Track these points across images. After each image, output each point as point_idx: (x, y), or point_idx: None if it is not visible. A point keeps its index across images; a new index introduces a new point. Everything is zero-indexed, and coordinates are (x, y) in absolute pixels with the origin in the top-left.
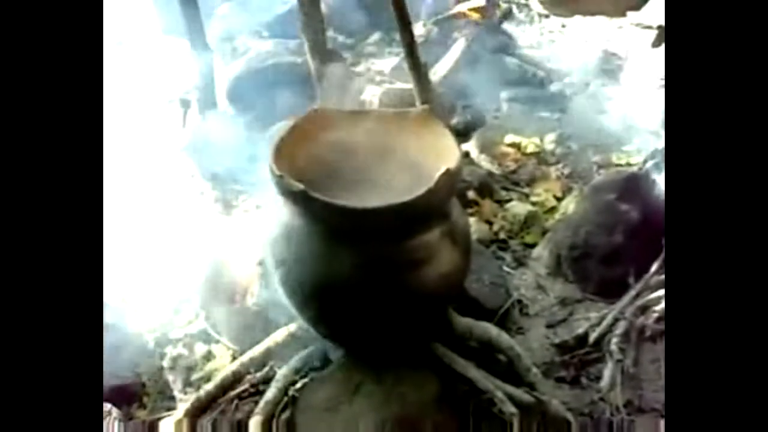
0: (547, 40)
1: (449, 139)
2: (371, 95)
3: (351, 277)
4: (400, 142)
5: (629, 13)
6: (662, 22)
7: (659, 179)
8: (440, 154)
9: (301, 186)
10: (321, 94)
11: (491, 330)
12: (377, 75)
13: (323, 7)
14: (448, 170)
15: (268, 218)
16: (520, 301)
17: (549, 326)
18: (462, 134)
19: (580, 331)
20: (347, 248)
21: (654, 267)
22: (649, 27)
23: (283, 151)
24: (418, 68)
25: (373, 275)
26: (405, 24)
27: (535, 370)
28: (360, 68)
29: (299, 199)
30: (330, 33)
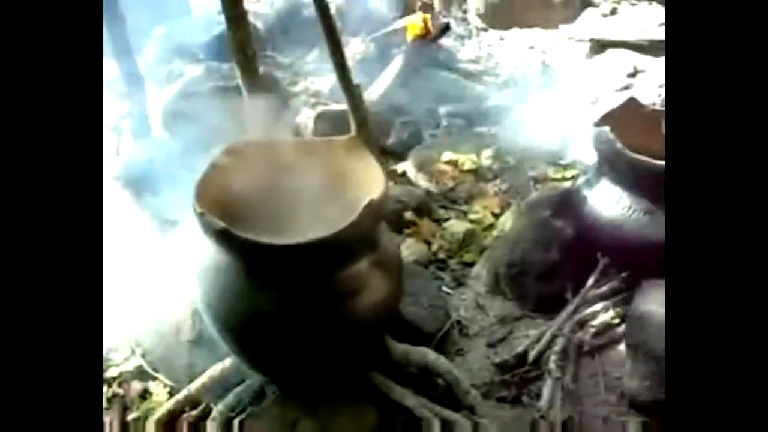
0: (486, 54)
1: (375, 168)
2: (306, 117)
3: (277, 313)
4: (327, 172)
5: (561, 27)
6: (595, 35)
7: (590, 195)
8: (366, 183)
9: (221, 224)
10: (253, 119)
11: (429, 355)
12: (312, 97)
13: (260, 26)
14: (371, 201)
15: (194, 254)
16: (459, 322)
17: (489, 346)
18: (399, 153)
19: (520, 349)
20: (272, 285)
21: (590, 282)
22: (582, 40)
23: (206, 187)
24: (350, 89)
25: (301, 310)
26: (335, 45)
27: (474, 392)
28: (299, 87)
29: (221, 236)
30: (268, 52)
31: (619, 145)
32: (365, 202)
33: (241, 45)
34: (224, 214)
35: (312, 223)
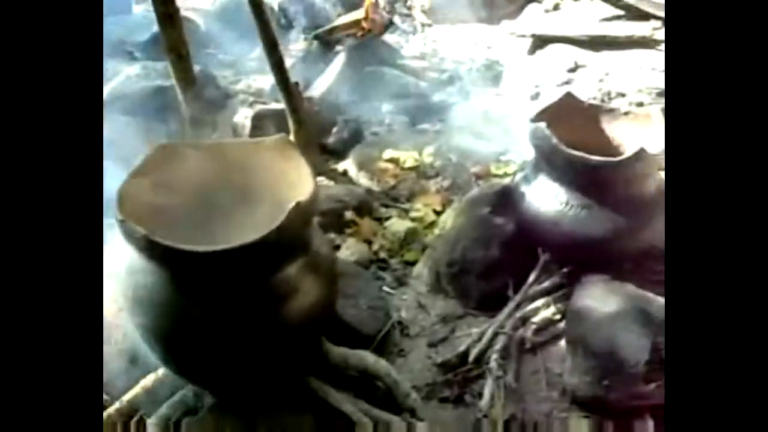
0: (431, 50)
1: (304, 169)
2: (243, 117)
3: (205, 322)
4: (257, 174)
5: (504, 22)
6: (536, 31)
7: (528, 191)
8: (295, 185)
9: (142, 231)
10: (189, 119)
11: (367, 358)
12: (254, 95)
13: (202, 23)
14: (298, 204)
15: (121, 262)
16: (400, 323)
17: (431, 345)
18: (340, 152)
19: (462, 348)
20: (199, 292)
21: (531, 278)
22: (523, 35)
23: (130, 192)
24: (288, 88)
25: (231, 317)
26: (271, 44)
27: (414, 395)
28: (240, 85)
29: (143, 244)
30: (210, 50)
31: (554, 140)
32: (291, 205)
33: (174, 44)
34: (151, 220)
35: (244, 227)
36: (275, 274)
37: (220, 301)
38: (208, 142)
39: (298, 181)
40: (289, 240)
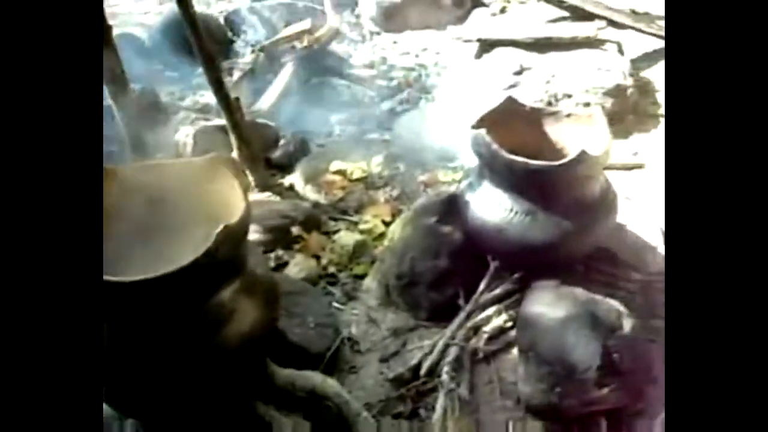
0: (379, 57)
1: (236, 189)
2: (184, 135)
3: (139, 353)
4: (191, 195)
5: (450, 28)
6: (482, 35)
7: (473, 199)
8: (227, 205)
9: None
10: (127, 140)
11: (315, 378)
12: (200, 112)
13: (147, 39)
14: (226, 227)
15: None
16: (350, 339)
17: (382, 360)
18: (286, 166)
19: (414, 361)
20: (130, 322)
21: (481, 286)
22: (469, 40)
23: None
24: (227, 104)
25: (165, 348)
26: (208, 60)
27: (365, 414)
28: (187, 102)
29: None
30: (156, 66)
31: (494, 146)
32: (219, 228)
33: (108, 62)
34: None
35: (181, 251)
36: (209, 299)
37: (153, 329)
38: (139, 163)
39: (230, 202)
40: (220, 263)
